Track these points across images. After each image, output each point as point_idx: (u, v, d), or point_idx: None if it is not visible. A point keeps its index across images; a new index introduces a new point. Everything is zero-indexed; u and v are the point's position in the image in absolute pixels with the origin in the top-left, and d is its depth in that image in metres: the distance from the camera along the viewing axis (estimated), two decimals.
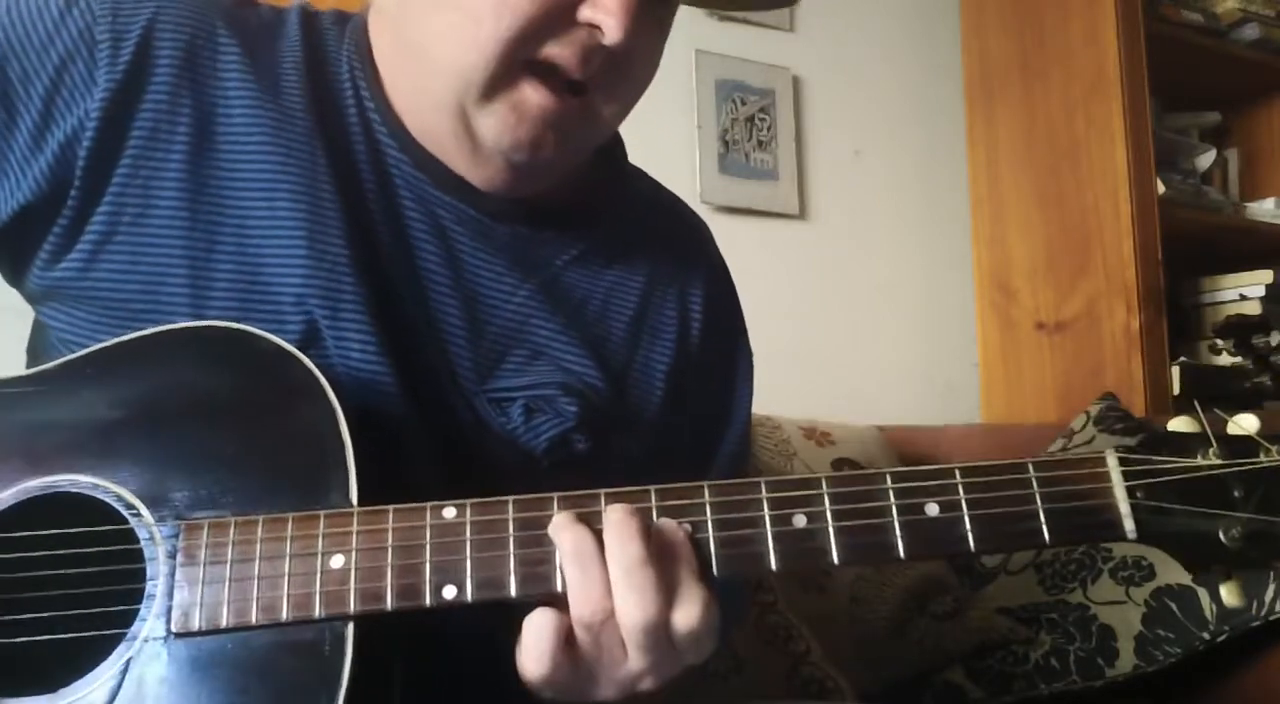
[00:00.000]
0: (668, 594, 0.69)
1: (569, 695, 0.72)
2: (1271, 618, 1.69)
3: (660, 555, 0.69)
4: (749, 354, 1.05)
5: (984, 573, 2.04)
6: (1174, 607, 1.76)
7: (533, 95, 0.81)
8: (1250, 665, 1.79)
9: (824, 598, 1.82)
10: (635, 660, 0.70)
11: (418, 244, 0.88)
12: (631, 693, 0.72)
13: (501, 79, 0.81)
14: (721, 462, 1.00)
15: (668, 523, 0.71)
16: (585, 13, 0.79)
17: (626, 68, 0.85)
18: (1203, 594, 1.75)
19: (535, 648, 0.69)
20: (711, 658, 0.76)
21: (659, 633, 0.69)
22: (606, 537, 0.69)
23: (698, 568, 0.71)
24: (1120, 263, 2.45)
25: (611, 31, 0.78)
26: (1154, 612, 1.78)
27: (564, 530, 0.70)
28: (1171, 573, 1.80)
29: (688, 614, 0.69)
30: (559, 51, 0.80)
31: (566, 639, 0.70)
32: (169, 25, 0.84)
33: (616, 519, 0.70)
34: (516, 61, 0.80)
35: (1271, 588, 1.69)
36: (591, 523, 0.71)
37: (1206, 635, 1.72)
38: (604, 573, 0.69)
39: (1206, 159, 2.87)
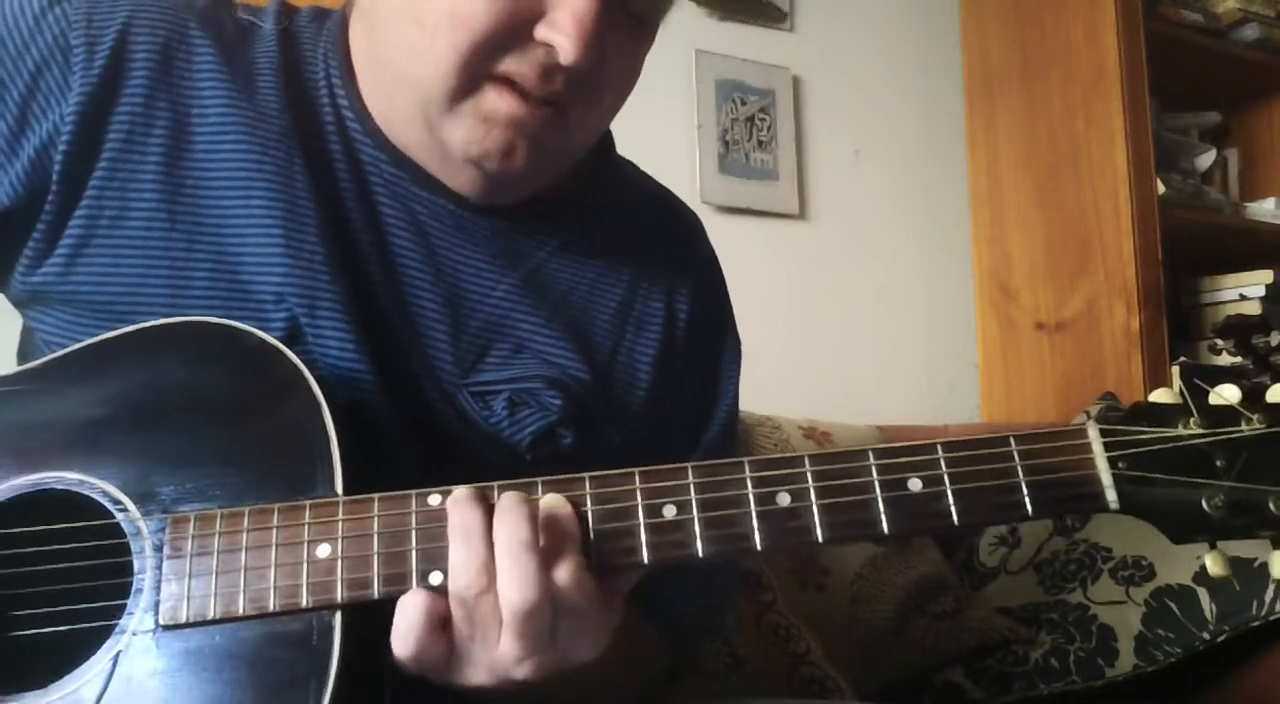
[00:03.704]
0: (548, 583, 0.68)
1: (442, 678, 0.71)
2: (1271, 618, 1.68)
3: (548, 541, 0.69)
4: (737, 344, 1.05)
5: (984, 573, 2.03)
6: (1174, 607, 1.76)
7: (500, 103, 0.81)
8: (1250, 665, 1.79)
9: (824, 598, 1.82)
10: (508, 644, 0.68)
11: (395, 241, 0.88)
12: (506, 681, 0.70)
13: (462, 91, 0.81)
14: (705, 449, 1.00)
15: (562, 511, 0.70)
16: (541, 32, 0.78)
17: (599, 87, 0.84)
18: (1202, 594, 1.74)
19: (403, 625, 0.68)
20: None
21: (537, 619, 0.68)
22: (495, 518, 0.69)
23: (584, 561, 0.70)
24: (1120, 263, 2.45)
25: (567, 53, 0.77)
26: (1154, 612, 1.77)
27: (455, 505, 0.69)
28: (1171, 573, 1.79)
29: (569, 604, 0.69)
30: (517, 68, 0.80)
31: (441, 621, 0.69)
32: (144, 29, 0.84)
33: (507, 504, 0.69)
34: (475, 75, 0.80)
35: (1271, 588, 1.69)
36: (490, 500, 0.70)
37: (1206, 635, 1.72)
38: (486, 550, 0.68)
39: (1206, 159, 2.87)
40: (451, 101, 0.81)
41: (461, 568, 0.68)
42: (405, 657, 0.69)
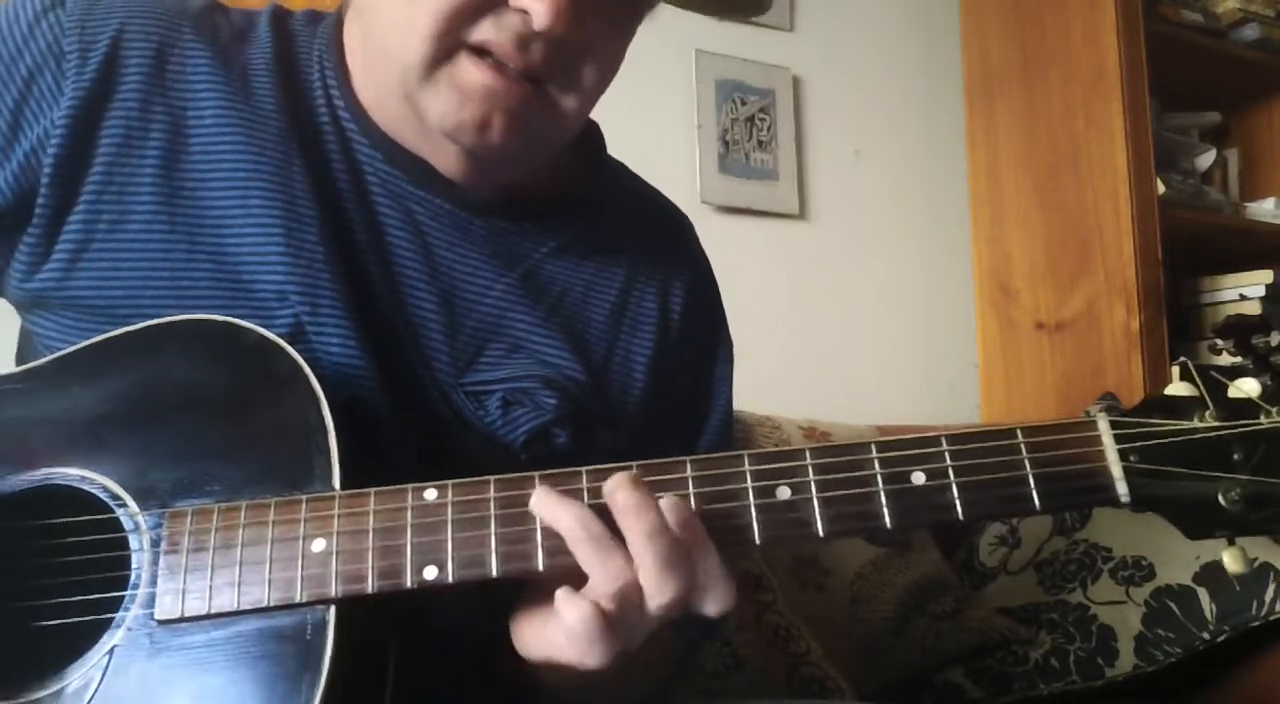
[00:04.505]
0: (693, 570, 0.70)
1: (610, 664, 0.71)
2: (1271, 618, 1.69)
3: (683, 539, 0.70)
4: (729, 344, 1.05)
5: (984, 573, 2.03)
6: (1174, 607, 1.76)
7: (476, 73, 0.80)
8: (1250, 665, 1.79)
9: (824, 598, 1.82)
10: (654, 621, 0.71)
11: (392, 240, 0.88)
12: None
13: (437, 59, 0.80)
14: (701, 450, 1.00)
15: (676, 502, 0.70)
16: None
17: (578, 61, 0.83)
18: (1203, 594, 1.74)
19: (586, 637, 0.69)
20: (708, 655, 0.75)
21: (686, 602, 0.70)
22: (625, 524, 0.69)
23: (706, 533, 0.71)
24: (1120, 263, 2.44)
25: (540, 17, 0.77)
26: (1154, 612, 1.77)
27: (558, 508, 0.70)
28: (1172, 573, 1.79)
29: (715, 599, 0.71)
30: (493, 36, 0.79)
31: (609, 619, 0.69)
32: (137, 34, 0.84)
33: (631, 506, 0.69)
34: (452, 42, 0.80)
35: (1271, 588, 1.69)
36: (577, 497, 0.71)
37: (1206, 635, 1.72)
38: (619, 544, 0.69)
39: (1206, 159, 2.87)
40: (428, 69, 0.81)
41: (613, 574, 0.69)
42: (600, 662, 0.70)
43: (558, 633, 0.70)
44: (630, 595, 0.69)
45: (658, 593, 0.69)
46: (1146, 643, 1.75)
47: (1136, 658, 1.75)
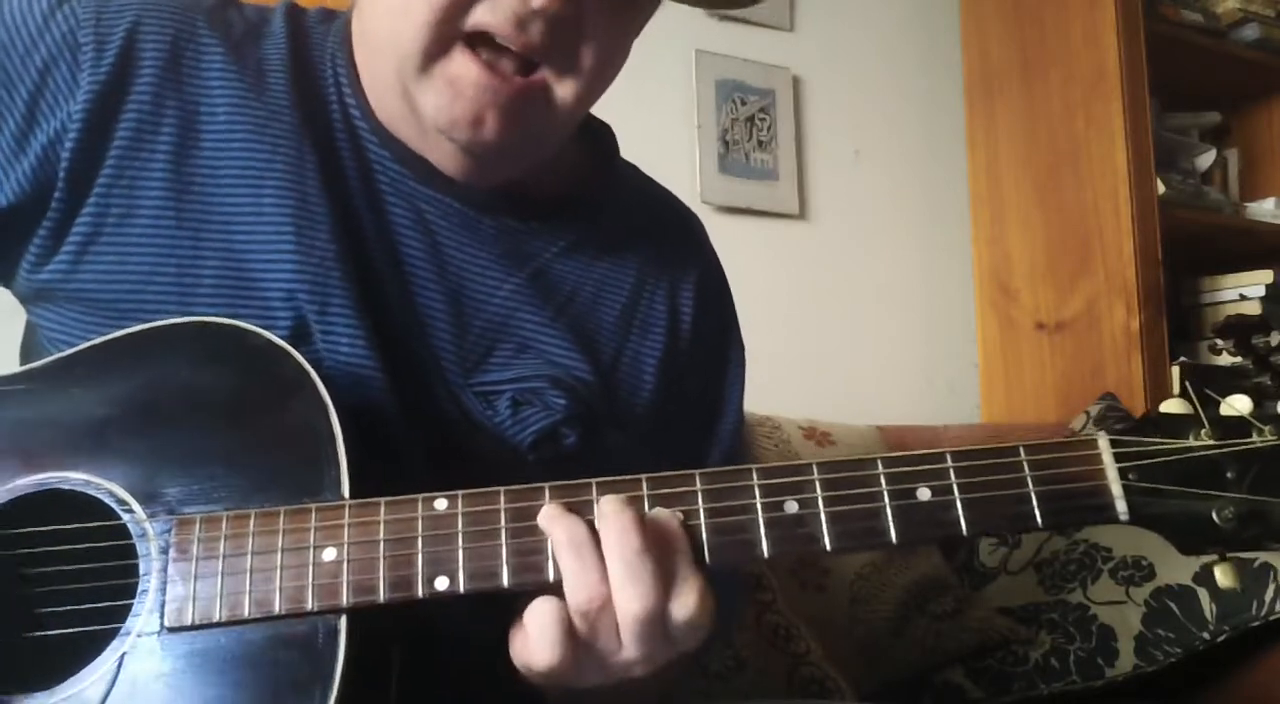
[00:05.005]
0: (666, 585, 0.69)
1: (564, 681, 0.71)
2: (1271, 618, 1.69)
3: (657, 546, 0.69)
4: (740, 347, 1.05)
5: (984, 573, 2.04)
6: (1174, 607, 1.76)
7: (469, 68, 0.80)
8: (1250, 665, 1.79)
9: (824, 598, 1.82)
10: (630, 649, 0.70)
11: (401, 239, 0.88)
12: (623, 679, 0.72)
13: (435, 50, 0.80)
14: (715, 455, 1.00)
15: (662, 512, 0.71)
16: None
17: (578, 43, 0.82)
18: (1203, 594, 1.75)
19: (543, 636, 0.69)
20: (709, 652, 0.75)
21: (656, 623, 0.69)
22: (602, 528, 0.69)
23: (693, 557, 0.71)
24: (1120, 263, 2.45)
25: None
26: (1154, 612, 1.78)
27: (556, 521, 0.70)
28: (1171, 573, 1.80)
29: (685, 604, 0.69)
30: (490, 18, 0.79)
31: (572, 627, 0.69)
32: (152, 28, 0.84)
33: (612, 510, 0.70)
34: (449, 31, 0.79)
35: (1271, 588, 1.69)
36: (582, 513, 0.71)
37: (1206, 635, 1.72)
38: (600, 561, 0.69)
39: (1206, 159, 2.87)
40: (424, 61, 0.80)
41: (581, 582, 0.69)
42: (547, 665, 0.69)
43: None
44: (601, 615, 0.69)
45: (623, 601, 0.68)
46: (1146, 643, 1.76)
47: (1136, 658, 1.76)
